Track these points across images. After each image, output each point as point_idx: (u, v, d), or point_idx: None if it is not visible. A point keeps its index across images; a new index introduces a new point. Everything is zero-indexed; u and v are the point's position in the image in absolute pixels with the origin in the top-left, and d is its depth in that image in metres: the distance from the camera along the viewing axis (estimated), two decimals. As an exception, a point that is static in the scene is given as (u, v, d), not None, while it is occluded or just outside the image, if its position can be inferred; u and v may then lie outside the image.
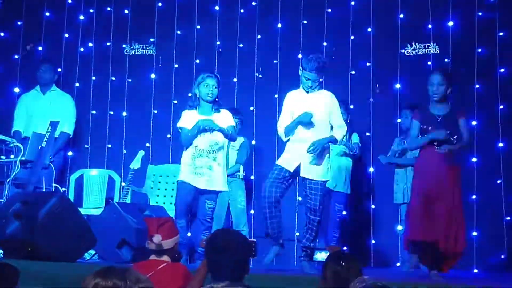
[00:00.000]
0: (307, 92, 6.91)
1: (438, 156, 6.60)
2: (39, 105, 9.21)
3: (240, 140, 8.62)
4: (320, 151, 6.78)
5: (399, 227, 8.48)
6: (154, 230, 4.87)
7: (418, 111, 6.87)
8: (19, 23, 10.14)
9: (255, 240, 4.65)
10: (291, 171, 6.83)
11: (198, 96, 7.36)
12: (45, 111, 9.11)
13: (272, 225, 6.82)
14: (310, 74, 6.81)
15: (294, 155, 6.87)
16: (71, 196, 8.84)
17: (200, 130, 7.20)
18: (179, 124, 7.44)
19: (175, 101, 9.57)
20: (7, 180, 7.99)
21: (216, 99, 7.37)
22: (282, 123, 7.01)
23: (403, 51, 9.10)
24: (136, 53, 9.93)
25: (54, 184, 8.69)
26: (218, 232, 4.31)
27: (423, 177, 6.68)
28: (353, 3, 9.39)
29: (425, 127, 6.68)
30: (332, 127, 6.95)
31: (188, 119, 7.37)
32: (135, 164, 8.43)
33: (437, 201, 6.53)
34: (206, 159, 7.25)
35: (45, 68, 9.36)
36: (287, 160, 6.90)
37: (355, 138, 8.52)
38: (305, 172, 6.84)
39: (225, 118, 7.42)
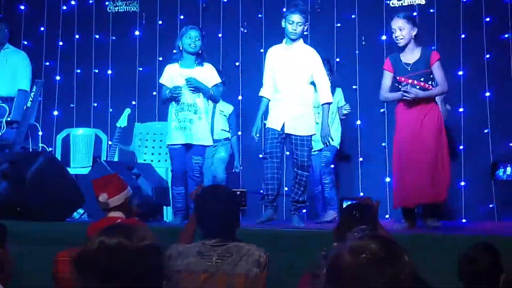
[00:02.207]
0: (292, 40, 6.87)
1: (415, 108, 6.57)
2: None
3: (229, 108, 8.57)
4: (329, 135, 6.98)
5: (387, 179, 8.49)
6: (100, 190, 4.88)
7: (389, 59, 6.81)
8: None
9: (245, 190, 4.67)
10: (279, 130, 6.84)
11: (181, 49, 7.28)
12: (1, 69, 8.99)
13: (272, 186, 6.83)
14: (293, 16, 6.78)
15: (278, 114, 6.89)
16: (58, 156, 8.79)
17: (176, 93, 7.13)
18: (160, 80, 7.38)
19: (160, 58, 9.51)
20: (-7, 141, 7.96)
21: (200, 52, 7.28)
22: (264, 82, 7.11)
23: (388, 2, 9.03)
24: (119, 10, 9.84)
25: (40, 144, 8.67)
26: (205, 189, 4.30)
27: (403, 131, 6.67)
28: (337, -46, 9.30)
29: (397, 77, 6.66)
30: (313, 84, 6.95)
31: (169, 74, 7.30)
32: (122, 122, 8.39)
33: (419, 154, 6.52)
34: (187, 112, 7.16)
35: (3, 26, 9.20)
36: (273, 120, 6.92)
37: (339, 92, 8.42)
38: (289, 129, 6.85)
39: (208, 73, 7.32)
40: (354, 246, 1.99)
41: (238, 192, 4.73)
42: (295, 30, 6.82)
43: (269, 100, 7.03)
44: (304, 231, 6.51)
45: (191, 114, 7.17)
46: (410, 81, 6.58)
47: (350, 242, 2.02)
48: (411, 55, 6.64)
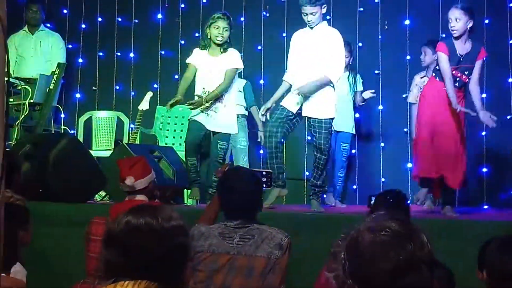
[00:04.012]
0: (311, 28, 6.87)
1: (443, 91, 6.57)
2: (29, 45, 9.20)
3: (242, 82, 8.57)
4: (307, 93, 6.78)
5: (409, 165, 8.47)
6: (126, 172, 4.90)
7: (445, 43, 6.71)
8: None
9: (271, 171, 4.72)
10: (294, 112, 6.82)
11: (209, 37, 7.32)
12: (35, 51, 9.11)
13: (272, 165, 6.81)
14: (304, 8, 6.80)
15: (298, 96, 6.86)
16: (80, 138, 8.83)
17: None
18: (188, 60, 7.45)
19: (182, 42, 9.51)
20: (16, 123, 8.00)
21: (227, 41, 7.33)
22: (288, 66, 7.13)
23: (411, -14, 8.98)
24: (142, -8, 9.85)
25: (63, 127, 8.72)
26: (229, 171, 4.32)
27: (428, 108, 6.68)
28: None
29: (450, 64, 6.61)
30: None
31: (197, 58, 7.39)
32: (144, 105, 8.41)
33: (443, 134, 6.55)
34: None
35: (36, 8, 9.35)
36: (290, 101, 6.90)
37: (359, 81, 8.37)
38: (307, 111, 6.84)
39: (230, 58, 7.38)
40: (374, 225, 2.01)
41: (264, 172, 4.75)
42: (310, 20, 6.83)
43: (290, 86, 7.02)
44: (322, 215, 6.53)
45: (217, 102, 7.23)
46: (454, 72, 6.56)
47: (369, 222, 2.03)
48: (463, 46, 6.63)
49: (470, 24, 6.58)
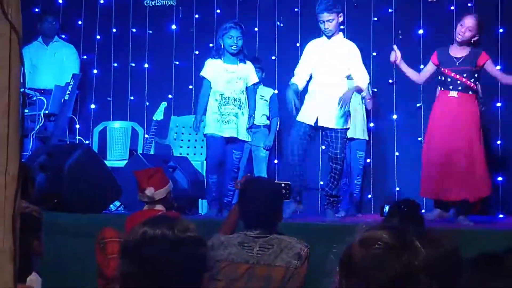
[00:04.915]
0: (329, 37, 6.88)
1: (452, 101, 6.59)
2: (44, 57, 9.25)
3: (269, 92, 8.62)
4: (348, 104, 6.76)
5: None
6: (145, 183, 4.92)
7: (437, 52, 6.84)
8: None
9: (289, 182, 4.73)
10: (312, 124, 6.83)
11: (223, 47, 7.33)
12: (50, 62, 9.17)
13: (294, 182, 6.81)
14: (321, 15, 6.81)
15: (312, 107, 6.87)
16: (95, 149, 8.86)
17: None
18: (202, 73, 7.42)
19: (196, 52, 9.53)
20: (31, 134, 8.04)
21: (241, 49, 7.34)
22: (297, 72, 7.09)
23: (425, -4, 8.97)
24: (156, 4, 9.87)
25: (77, 137, 8.75)
26: (249, 180, 4.32)
27: (437, 126, 6.68)
28: (375, -51, 9.26)
29: (442, 69, 6.66)
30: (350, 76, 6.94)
31: (212, 69, 7.35)
32: (158, 115, 8.44)
33: (453, 151, 6.53)
34: (232, 106, 7.24)
35: (51, 19, 9.43)
36: (306, 114, 6.90)
37: (370, 89, 8.42)
38: (323, 121, 6.84)
39: (250, 71, 7.42)
40: (365, 238, 1.98)
41: (282, 185, 4.77)
42: (327, 28, 6.83)
43: (299, 90, 7.03)
44: (337, 226, 6.52)
45: (236, 108, 7.26)
46: (452, 74, 6.59)
47: (360, 234, 2.01)
48: (461, 50, 6.68)
49: (476, 38, 6.62)
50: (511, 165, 8.49)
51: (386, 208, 4.88)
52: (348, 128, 6.96)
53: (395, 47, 6.99)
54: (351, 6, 8.90)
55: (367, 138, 8.35)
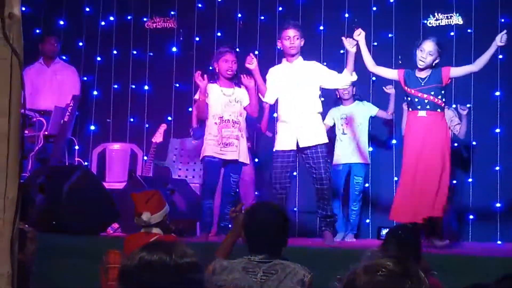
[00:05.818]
0: (292, 55, 7.08)
1: (421, 122, 6.64)
2: (45, 77, 9.27)
3: None
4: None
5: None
6: (142, 207, 4.91)
7: (404, 70, 6.96)
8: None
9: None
10: (294, 148, 6.89)
11: (217, 71, 7.36)
12: (50, 83, 9.18)
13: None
14: (288, 31, 7.05)
15: (289, 132, 6.97)
16: (93, 170, 8.87)
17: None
18: (196, 97, 7.45)
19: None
20: (31, 155, 8.04)
21: (236, 73, 7.36)
22: (270, 94, 7.28)
23: (425, 21, 9.00)
24: (157, 26, 9.91)
25: (76, 158, 8.75)
26: (258, 206, 4.30)
27: (410, 149, 6.74)
28: (375, -26, 9.30)
29: (408, 89, 6.73)
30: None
31: (209, 92, 7.36)
32: (157, 137, 8.45)
33: (426, 171, 6.55)
34: (232, 129, 7.26)
35: (54, 41, 9.46)
36: (285, 140, 6.99)
37: (367, 105, 8.48)
38: (304, 141, 6.92)
39: (245, 96, 7.44)
40: (369, 265, 1.99)
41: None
42: (293, 43, 7.04)
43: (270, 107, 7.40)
44: (336, 250, 6.50)
45: (236, 131, 7.27)
46: (419, 94, 6.66)
47: (365, 262, 2.01)
48: (424, 72, 6.79)
49: (437, 61, 6.70)
50: (509, 191, 8.46)
51: (383, 232, 4.88)
52: (327, 143, 7.07)
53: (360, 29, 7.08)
54: (351, 31, 8.91)
55: (368, 162, 8.33)
